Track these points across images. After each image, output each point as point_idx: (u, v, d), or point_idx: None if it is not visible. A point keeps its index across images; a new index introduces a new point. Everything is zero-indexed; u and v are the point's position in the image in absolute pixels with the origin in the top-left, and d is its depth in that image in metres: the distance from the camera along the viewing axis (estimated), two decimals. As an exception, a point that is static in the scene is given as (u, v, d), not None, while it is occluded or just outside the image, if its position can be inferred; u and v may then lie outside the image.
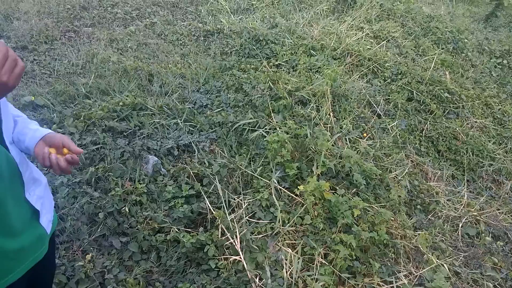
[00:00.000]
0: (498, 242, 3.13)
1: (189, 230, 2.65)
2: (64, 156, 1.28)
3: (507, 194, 3.82)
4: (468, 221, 3.32)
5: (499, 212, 3.49)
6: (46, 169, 2.78)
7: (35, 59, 4.38)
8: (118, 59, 4.39)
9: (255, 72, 4.30)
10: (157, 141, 3.25)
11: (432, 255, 2.82)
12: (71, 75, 4.15)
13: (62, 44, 4.77)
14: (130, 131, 3.27)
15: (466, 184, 3.81)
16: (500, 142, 4.44)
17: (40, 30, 4.89)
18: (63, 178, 2.66)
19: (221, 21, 5.65)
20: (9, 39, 4.67)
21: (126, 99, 3.55)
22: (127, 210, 2.59)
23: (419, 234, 2.95)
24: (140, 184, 2.78)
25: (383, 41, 5.40)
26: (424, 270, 2.67)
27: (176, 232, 2.58)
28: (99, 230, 2.49)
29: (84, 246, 2.39)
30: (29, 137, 1.32)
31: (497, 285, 2.82)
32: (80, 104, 3.57)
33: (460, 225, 3.24)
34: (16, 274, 1.30)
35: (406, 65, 4.84)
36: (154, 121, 3.43)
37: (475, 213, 3.37)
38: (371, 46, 5.13)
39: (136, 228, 2.55)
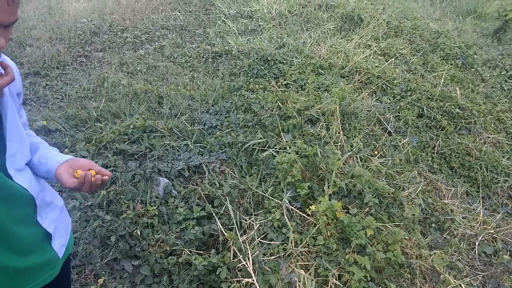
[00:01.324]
0: (517, 260, 3.04)
1: (200, 252, 2.63)
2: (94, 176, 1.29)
3: (524, 211, 3.74)
4: (485, 239, 3.24)
5: (517, 229, 3.41)
6: (67, 190, 2.81)
7: (47, 84, 4.46)
8: (128, 83, 4.45)
9: (264, 92, 4.33)
10: (168, 163, 3.26)
11: (449, 275, 2.75)
12: (82, 99, 4.21)
13: (74, 69, 4.87)
14: (141, 153, 3.29)
15: (481, 201, 3.73)
16: (515, 157, 4.37)
17: (52, 56, 5.00)
18: (75, 202, 2.68)
19: (229, 43, 5.72)
20: (22, 65, 4.78)
21: (137, 122, 3.58)
22: (138, 232, 2.58)
23: (434, 253, 2.88)
24: (151, 206, 2.77)
25: (391, 58, 5.41)
26: (442, 290, 2.60)
27: (188, 254, 2.56)
28: (111, 253, 2.48)
29: (97, 270, 2.38)
30: (51, 160, 1.33)
31: (516, 305, 2.74)
32: (91, 128, 3.61)
33: (476, 244, 3.16)
34: None
35: (415, 81, 4.83)
36: (164, 143, 3.45)
37: (491, 231, 3.29)
38: (379, 64, 5.13)
39: (148, 251, 2.53)
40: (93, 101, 4.15)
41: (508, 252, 3.15)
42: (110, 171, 3.00)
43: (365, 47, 5.64)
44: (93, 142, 3.26)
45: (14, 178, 1.23)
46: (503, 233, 3.30)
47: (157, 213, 2.75)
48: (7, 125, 1.19)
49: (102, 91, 4.32)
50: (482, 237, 3.23)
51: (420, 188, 3.45)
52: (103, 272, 2.39)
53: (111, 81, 4.45)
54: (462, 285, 2.65)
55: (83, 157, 3.12)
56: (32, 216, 1.30)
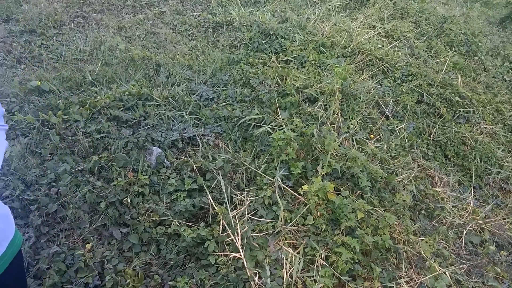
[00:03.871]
0: (502, 251, 3.07)
1: (190, 224, 2.63)
2: None
3: (514, 203, 3.77)
4: (473, 229, 3.26)
5: (505, 221, 3.44)
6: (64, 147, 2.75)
7: (42, 43, 4.35)
8: (125, 48, 4.35)
9: (263, 67, 4.25)
10: (162, 132, 3.22)
11: (434, 262, 2.78)
12: (78, 61, 4.12)
13: (71, 29, 4.74)
14: (135, 121, 3.24)
15: (472, 191, 3.75)
16: (510, 149, 4.37)
17: (49, 14, 4.85)
18: (66, 165, 2.64)
19: (231, 13, 5.59)
20: (18, 22, 4.64)
21: (132, 89, 3.52)
22: (129, 201, 2.56)
23: (422, 240, 2.91)
24: (143, 175, 2.75)
25: (395, 40, 5.32)
26: (426, 277, 2.63)
27: (177, 225, 2.56)
28: (100, 219, 2.47)
29: (85, 235, 2.38)
30: None
31: (499, 295, 2.79)
32: (86, 91, 3.54)
33: (464, 233, 3.19)
34: None
35: (417, 66, 4.77)
36: (159, 112, 3.40)
37: (480, 221, 3.32)
38: (383, 46, 5.05)
39: (137, 219, 2.52)
40: (89, 64, 4.06)
41: (494, 243, 3.18)
42: (102, 137, 2.98)
43: (370, 27, 5.54)
44: (87, 106, 3.20)
45: None
46: (491, 224, 3.33)
47: (148, 182, 2.73)
48: None
49: (99, 54, 4.22)
50: (470, 227, 3.25)
51: (413, 174, 3.45)
52: (91, 237, 2.38)
53: (108, 45, 4.34)
54: (447, 272, 2.68)
55: (77, 121, 3.07)
56: None
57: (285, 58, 4.58)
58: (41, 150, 2.83)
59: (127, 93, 3.45)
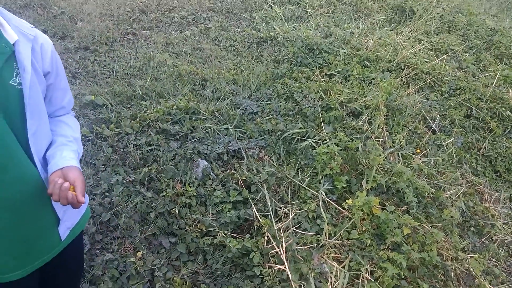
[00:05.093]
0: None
1: (235, 235, 2.68)
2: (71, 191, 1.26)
3: None
4: (526, 247, 3.13)
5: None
6: (111, 164, 2.91)
7: (96, 59, 4.60)
8: (173, 63, 4.52)
9: (307, 81, 4.29)
10: (208, 145, 3.31)
11: (484, 279, 2.69)
12: (129, 76, 4.32)
13: (121, 46, 4.98)
14: (182, 134, 3.36)
15: (525, 208, 3.59)
16: None
17: (101, 32, 5.13)
18: (118, 176, 2.77)
19: (275, 29, 5.68)
20: (73, 39, 4.94)
21: (180, 103, 3.65)
22: (177, 211, 2.65)
23: (471, 257, 2.81)
24: (190, 187, 2.84)
25: (442, 54, 5.21)
26: (476, 296, 2.55)
27: (223, 236, 2.61)
28: (150, 229, 2.57)
29: (136, 244, 2.48)
30: (53, 162, 1.31)
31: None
32: (136, 106, 3.71)
33: (516, 251, 3.06)
34: (21, 273, 1.37)
35: (465, 80, 4.65)
36: (205, 126, 3.50)
37: (533, 240, 3.17)
38: (429, 59, 4.96)
39: (185, 229, 2.60)
40: (138, 79, 4.25)
41: (548, 263, 3.03)
42: (152, 149, 3.09)
43: (415, 41, 5.46)
44: (137, 119, 3.35)
45: (39, 166, 1.29)
46: (545, 243, 3.17)
47: (195, 194, 2.81)
48: (27, 102, 1.21)
49: (148, 70, 4.41)
50: (523, 245, 3.11)
51: (462, 190, 3.35)
52: (142, 246, 2.48)
53: (157, 61, 4.53)
54: (498, 291, 2.58)
55: (128, 134, 3.22)
56: (49, 203, 1.35)
57: (329, 73, 4.59)
58: (95, 161, 2.98)
59: (175, 107, 3.58)
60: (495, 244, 3.09)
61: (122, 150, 3.09)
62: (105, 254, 2.34)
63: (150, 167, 2.93)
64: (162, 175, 2.91)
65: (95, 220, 2.51)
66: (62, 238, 1.46)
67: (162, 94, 3.97)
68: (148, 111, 3.51)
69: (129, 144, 3.11)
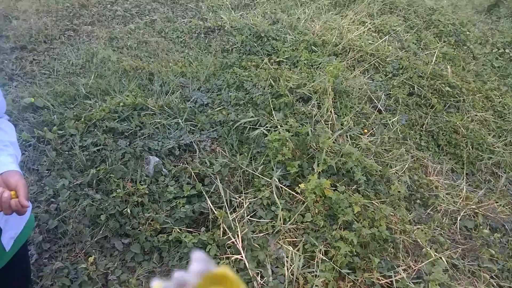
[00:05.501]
0: (496, 234, 3.15)
1: (191, 230, 2.67)
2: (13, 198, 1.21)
3: (505, 187, 3.84)
4: (467, 214, 3.34)
5: (497, 205, 3.51)
6: (56, 169, 2.81)
7: (34, 59, 4.38)
8: (118, 59, 4.38)
9: (256, 70, 4.30)
10: (158, 141, 3.26)
11: (430, 248, 2.85)
12: (71, 75, 4.15)
13: (62, 43, 4.77)
14: (131, 131, 3.28)
15: (465, 177, 3.81)
16: (500, 135, 4.44)
17: (39, 29, 4.88)
18: (65, 180, 2.68)
19: (222, 18, 5.62)
20: (8, 39, 4.68)
21: (127, 99, 3.56)
22: (128, 211, 2.60)
23: (418, 228, 2.97)
24: (142, 185, 2.79)
25: (385, 35, 5.36)
26: (423, 264, 2.70)
27: (178, 232, 2.60)
28: (101, 232, 2.51)
29: (87, 249, 2.41)
30: None
31: (493, 276, 2.86)
32: (80, 105, 3.58)
33: (458, 219, 3.26)
34: None
35: (407, 59, 4.82)
36: (155, 121, 3.44)
37: (473, 206, 3.39)
38: (373, 41, 5.10)
39: (138, 229, 2.56)
40: (81, 77, 4.09)
41: (488, 227, 3.27)
42: (99, 150, 3.01)
43: (360, 24, 5.59)
44: (82, 120, 3.24)
45: None
46: (484, 208, 3.40)
47: (147, 191, 2.77)
48: None
49: (91, 67, 4.26)
50: (464, 212, 3.33)
51: (407, 165, 3.50)
52: (93, 250, 2.42)
53: (100, 57, 4.38)
54: (443, 257, 2.75)
55: (72, 135, 3.11)
56: None
57: (278, 60, 4.62)
58: (38, 167, 2.86)
59: (121, 104, 3.49)
60: (439, 214, 3.27)
61: (67, 152, 2.98)
62: (54, 263, 2.27)
63: (98, 168, 2.85)
64: (111, 175, 2.83)
65: (41, 228, 2.42)
66: (7, 248, 1.41)
67: (108, 92, 3.85)
68: (93, 110, 3.40)
69: (74, 146, 3.00)
